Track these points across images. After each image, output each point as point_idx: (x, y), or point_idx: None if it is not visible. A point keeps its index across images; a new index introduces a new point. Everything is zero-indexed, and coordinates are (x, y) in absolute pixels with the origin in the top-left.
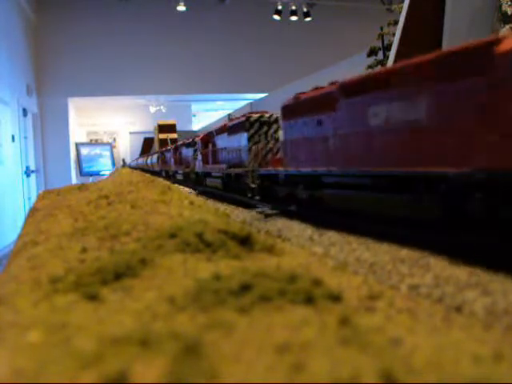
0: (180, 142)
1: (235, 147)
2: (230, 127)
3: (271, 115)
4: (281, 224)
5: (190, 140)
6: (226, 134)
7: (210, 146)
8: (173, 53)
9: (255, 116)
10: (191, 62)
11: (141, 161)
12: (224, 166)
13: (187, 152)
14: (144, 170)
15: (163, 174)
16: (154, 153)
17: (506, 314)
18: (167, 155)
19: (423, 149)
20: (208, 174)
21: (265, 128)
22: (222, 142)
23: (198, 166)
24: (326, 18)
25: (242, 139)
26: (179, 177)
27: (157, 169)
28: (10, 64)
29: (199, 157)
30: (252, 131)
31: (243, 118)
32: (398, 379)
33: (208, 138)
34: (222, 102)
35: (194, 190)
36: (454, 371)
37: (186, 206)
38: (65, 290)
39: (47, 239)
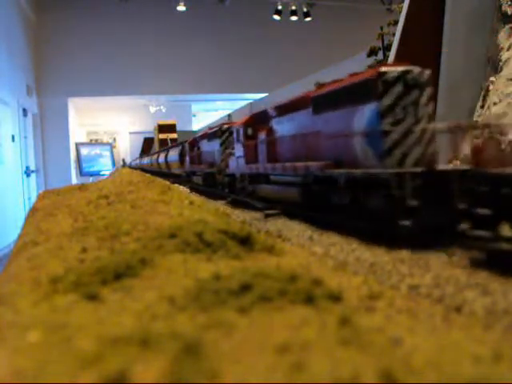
0: (256, 113)
1: None
2: None
3: None
4: (281, 224)
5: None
6: None
7: None
8: (173, 53)
9: None
10: (191, 62)
11: (146, 160)
12: None
13: (294, 125)
14: (150, 172)
15: (193, 178)
16: (172, 146)
17: (505, 314)
18: (205, 146)
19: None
20: None
21: None
22: None
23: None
24: (326, 18)
25: None
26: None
27: (176, 170)
28: (10, 64)
29: None
30: None
31: None
32: (398, 379)
33: None
34: (222, 102)
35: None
36: (454, 371)
37: (185, 206)
38: (65, 290)
39: (47, 239)
